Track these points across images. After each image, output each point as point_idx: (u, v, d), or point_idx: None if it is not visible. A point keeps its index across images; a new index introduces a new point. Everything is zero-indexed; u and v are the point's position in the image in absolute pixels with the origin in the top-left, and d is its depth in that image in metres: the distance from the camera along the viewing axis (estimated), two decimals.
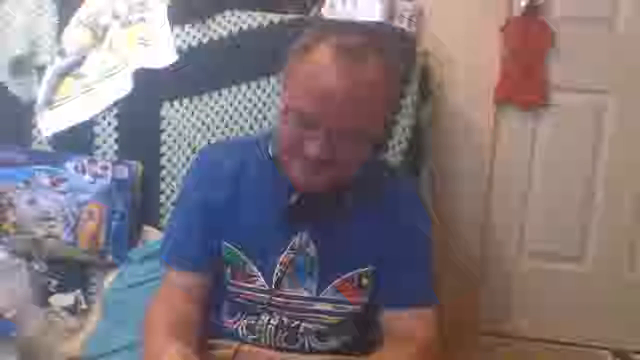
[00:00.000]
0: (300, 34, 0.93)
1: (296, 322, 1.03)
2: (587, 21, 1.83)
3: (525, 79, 1.84)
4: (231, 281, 1.03)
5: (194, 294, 1.01)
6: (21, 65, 1.57)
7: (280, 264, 0.99)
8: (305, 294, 1.01)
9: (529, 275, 1.98)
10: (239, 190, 1.00)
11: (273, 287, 1.00)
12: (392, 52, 0.91)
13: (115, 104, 1.53)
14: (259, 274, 1.01)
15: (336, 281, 1.01)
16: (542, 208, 1.94)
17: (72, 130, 1.53)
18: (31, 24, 1.58)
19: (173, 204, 1.47)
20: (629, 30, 1.82)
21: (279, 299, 1.01)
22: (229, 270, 1.02)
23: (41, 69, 1.56)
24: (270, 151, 1.00)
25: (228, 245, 1.01)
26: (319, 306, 1.02)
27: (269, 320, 1.03)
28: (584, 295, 1.96)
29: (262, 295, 1.01)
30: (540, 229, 1.95)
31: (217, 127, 1.51)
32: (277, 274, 1.00)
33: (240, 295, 1.03)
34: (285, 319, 1.03)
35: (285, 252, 0.99)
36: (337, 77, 0.84)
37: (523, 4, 1.81)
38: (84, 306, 1.47)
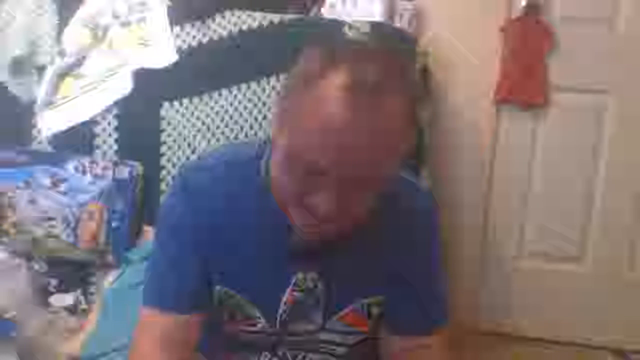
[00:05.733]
0: (299, 57, 0.76)
1: (301, 355, 0.96)
2: (587, 21, 1.83)
3: (525, 79, 1.84)
4: (229, 325, 0.92)
5: (178, 342, 0.86)
6: (21, 65, 1.57)
7: (285, 303, 0.89)
8: (311, 327, 0.92)
9: (529, 275, 1.98)
10: (230, 224, 0.86)
11: (278, 328, 0.91)
12: (410, 75, 0.78)
13: (115, 104, 1.52)
14: (261, 315, 0.90)
15: (344, 312, 0.91)
16: (542, 208, 1.94)
17: (72, 130, 1.53)
18: (31, 24, 1.58)
19: None
20: (629, 30, 1.82)
21: (281, 337, 0.93)
22: (225, 313, 0.91)
23: (41, 69, 1.56)
24: (262, 174, 0.85)
25: (224, 287, 0.89)
26: (325, 337, 0.94)
27: (271, 357, 0.96)
28: (584, 295, 1.96)
29: (266, 337, 0.93)
30: (540, 229, 1.95)
31: (217, 127, 1.51)
32: (281, 314, 0.89)
33: (240, 336, 0.94)
34: (289, 354, 0.96)
35: (288, 291, 0.88)
36: (352, 119, 0.67)
37: (523, 4, 1.81)
38: (84, 306, 1.47)
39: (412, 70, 0.77)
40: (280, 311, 0.89)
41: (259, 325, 0.91)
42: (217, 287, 0.88)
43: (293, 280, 0.88)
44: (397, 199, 0.88)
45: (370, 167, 0.71)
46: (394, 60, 0.77)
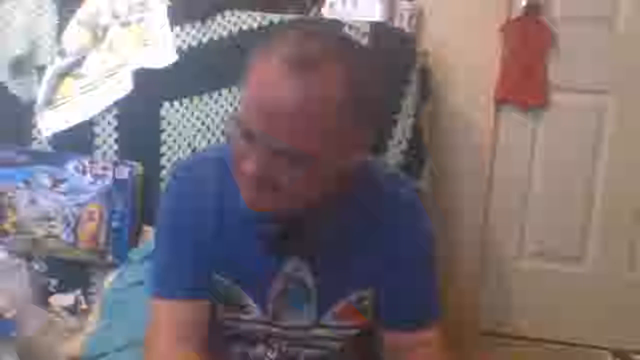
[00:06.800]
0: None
1: (297, 350, 0.98)
2: (587, 21, 1.83)
3: (525, 79, 1.84)
4: (225, 314, 0.96)
5: (189, 329, 0.90)
6: (21, 65, 1.57)
7: (275, 294, 0.93)
8: (305, 322, 0.95)
9: (529, 275, 1.98)
10: (223, 217, 0.91)
11: (271, 319, 0.95)
12: (366, 65, 0.79)
13: (115, 104, 1.52)
14: (254, 305, 0.94)
15: (336, 305, 0.95)
16: (542, 208, 1.94)
17: (72, 130, 1.53)
18: (31, 24, 1.58)
19: None
20: (629, 30, 1.82)
21: (276, 329, 0.96)
22: (221, 303, 0.95)
23: (41, 69, 1.56)
24: None
25: (218, 276, 0.93)
26: (319, 332, 0.96)
27: (266, 352, 0.98)
28: (584, 295, 1.96)
29: (260, 327, 0.96)
30: (540, 229, 1.95)
31: (217, 127, 1.51)
32: (272, 305, 0.94)
33: (236, 328, 0.98)
34: (284, 348, 0.98)
35: (277, 282, 0.92)
36: (276, 89, 0.72)
37: (523, 4, 1.81)
38: (84, 306, 1.47)
39: (364, 54, 0.84)
40: (271, 301, 0.93)
41: (253, 314, 0.95)
42: (215, 276, 0.93)
43: (282, 270, 0.92)
44: (382, 193, 0.93)
45: (289, 138, 0.73)
46: (341, 42, 0.81)
